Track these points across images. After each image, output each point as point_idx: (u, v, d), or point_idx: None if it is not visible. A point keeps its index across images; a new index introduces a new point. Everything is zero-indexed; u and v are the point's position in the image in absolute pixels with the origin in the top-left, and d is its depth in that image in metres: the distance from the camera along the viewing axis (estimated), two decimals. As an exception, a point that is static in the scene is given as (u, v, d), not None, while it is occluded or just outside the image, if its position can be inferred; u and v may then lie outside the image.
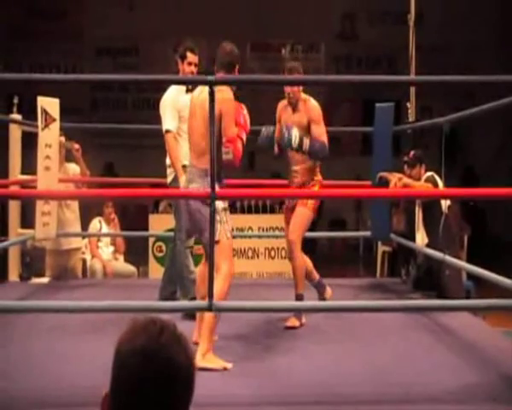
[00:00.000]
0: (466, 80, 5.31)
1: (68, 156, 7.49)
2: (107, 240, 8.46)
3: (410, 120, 7.92)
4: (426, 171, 6.80)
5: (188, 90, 5.66)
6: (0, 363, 4.57)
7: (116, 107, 15.10)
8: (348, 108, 14.93)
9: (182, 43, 5.98)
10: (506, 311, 6.12)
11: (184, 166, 5.41)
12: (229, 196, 4.72)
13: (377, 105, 7.23)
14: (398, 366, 4.59)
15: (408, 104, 7.96)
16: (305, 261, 5.73)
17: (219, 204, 4.57)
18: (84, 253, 8.23)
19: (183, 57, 5.85)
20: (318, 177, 5.71)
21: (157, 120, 5.98)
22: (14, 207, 7.40)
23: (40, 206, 6.68)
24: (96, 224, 8.36)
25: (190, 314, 5.25)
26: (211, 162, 4.30)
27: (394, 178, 6.53)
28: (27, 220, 7.47)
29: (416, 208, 6.85)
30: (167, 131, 5.77)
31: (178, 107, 5.76)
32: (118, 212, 8.73)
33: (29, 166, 7.10)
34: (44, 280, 7.38)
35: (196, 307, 4.88)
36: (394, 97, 7.31)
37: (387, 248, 8.47)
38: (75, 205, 7.53)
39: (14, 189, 7.01)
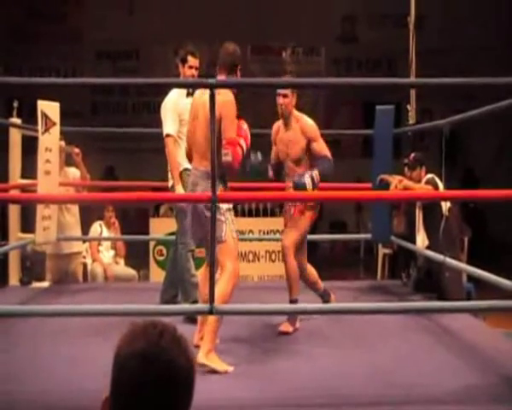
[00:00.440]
0: (466, 83, 5.31)
1: (68, 160, 7.49)
2: (107, 244, 8.47)
3: (411, 122, 7.92)
4: (426, 173, 6.81)
5: (188, 94, 5.66)
6: (5, 367, 4.58)
7: (116, 110, 15.11)
8: (349, 110, 14.93)
9: (182, 46, 5.98)
10: (506, 312, 6.12)
11: (186, 170, 5.41)
12: (230, 198, 4.72)
13: (377, 107, 7.23)
14: (399, 368, 4.58)
15: (408, 107, 7.96)
16: (310, 269, 5.75)
17: (224, 205, 4.59)
18: (84, 257, 8.23)
19: (184, 61, 5.86)
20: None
21: (157, 123, 5.98)
22: (14, 212, 7.40)
23: (40, 210, 6.67)
24: (97, 228, 8.36)
25: (191, 318, 5.26)
26: (211, 164, 4.31)
27: (395, 180, 6.54)
28: (28, 224, 7.47)
29: (417, 210, 6.86)
30: (167, 136, 5.77)
31: (179, 110, 5.77)
32: (118, 216, 8.73)
33: (29, 170, 7.10)
34: (45, 284, 7.37)
35: (198, 311, 4.88)
36: (395, 100, 7.31)
37: (388, 251, 8.47)
38: (75, 209, 7.53)
39: (14, 193, 7.00)
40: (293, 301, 5.49)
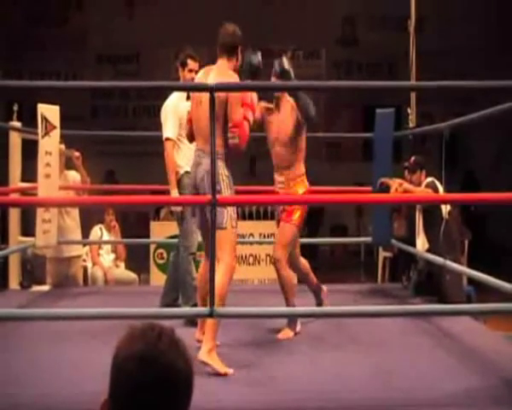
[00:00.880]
0: (466, 86, 5.32)
1: (68, 164, 7.49)
2: (108, 247, 8.47)
3: (411, 125, 7.92)
4: (426, 176, 6.81)
5: (188, 98, 5.69)
6: (5, 370, 4.58)
7: (117, 114, 15.11)
8: (349, 113, 14.93)
9: (182, 50, 6.00)
10: (507, 315, 6.11)
11: (188, 173, 5.41)
12: (231, 202, 4.71)
13: (378, 111, 7.24)
14: (400, 371, 4.58)
15: (408, 110, 7.96)
16: (302, 260, 5.71)
17: (223, 170, 4.60)
18: (85, 260, 8.23)
19: (184, 64, 5.89)
20: (305, 183, 5.53)
21: (157, 127, 5.99)
22: (14, 215, 7.39)
23: (40, 213, 6.68)
24: (97, 231, 8.36)
25: (192, 321, 5.26)
26: (211, 163, 4.31)
27: (395, 183, 6.54)
28: (28, 228, 7.48)
29: (417, 214, 6.86)
30: (167, 139, 5.79)
31: (180, 114, 5.79)
32: (119, 219, 8.73)
33: (29, 174, 7.10)
34: (45, 288, 7.37)
35: (198, 314, 4.89)
36: (395, 103, 7.31)
37: (388, 254, 8.46)
38: (75, 212, 7.52)
39: (14, 196, 7.00)
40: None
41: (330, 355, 4.93)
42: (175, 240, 6.65)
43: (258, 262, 9.16)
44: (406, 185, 6.56)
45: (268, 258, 9.14)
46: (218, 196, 4.35)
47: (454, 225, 6.68)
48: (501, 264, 8.78)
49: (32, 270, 7.47)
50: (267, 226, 9.36)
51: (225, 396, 4.13)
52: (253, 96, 4.76)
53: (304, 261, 5.74)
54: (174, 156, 5.78)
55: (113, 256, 8.45)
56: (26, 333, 5.33)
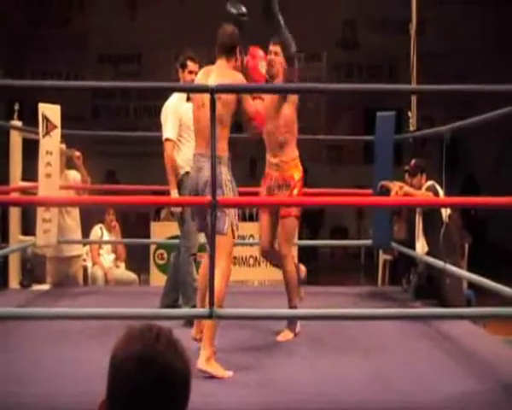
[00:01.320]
0: (467, 89, 5.32)
1: (69, 164, 7.49)
2: (108, 247, 8.47)
3: (412, 128, 7.92)
4: (427, 180, 6.81)
5: (188, 99, 5.72)
6: (5, 369, 4.58)
7: (118, 114, 15.11)
8: (349, 116, 14.93)
9: (182, 52, 6.02)
10: (506, 319, 6.11)
11: (188, 173, 5.42)
12: (231, 203, 4.71)
13: (378, 114, 7.24)
14: (399, 374, 4.58)
15: (409, 113, 7.96)
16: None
17: (226, 175, 4.61)
18: (85, 260, 8.23)
19: (184, 66, 5.91)
20: (300, 167, 5.48)
21: (158, 127, 6.00)
22: (14, 214, 7.40)
23: (41, 213, 6.68)
24: (97, 231, 8.36)
25: (192, 321, 5.26)
26: (212, 166, 4.31)
27: (395, 186, 6.54)
28: (28, 227, 7.48)
29: (417, 217, 6.86)
30: (167, 140, 5.81)
31: (180, 115, 5.82)
32: (119, 219, 8.73)
33: (30, 173, 7.10)
34: (45, 287, 7.37)
35: (197, 315, 4.89)
36: (396, 106, 7.31)
37: (388, 257, 8.46)
38: (76, 212, 7.53)
39: (14, 195, 7.01)
40: (292, 308, 5.45)
41: (329, 358, 4.93)
42: (175, 241, 6.65)
43: (259, 264, 9.15)
44: (406, 188, 6.56)
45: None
46: (218, 198, 4.36)
47: (454, 229, 6.68)
48: (501, 268, 8.78)
49: (33, 269, 7.47)
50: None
51: (224, 398, 4.13)
52: (264, 59, 4.93)
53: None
54: (174, 156, 5.79)
55: (113, 256, 8.45)
56: (25, 332, 5.33)
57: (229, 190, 4.62)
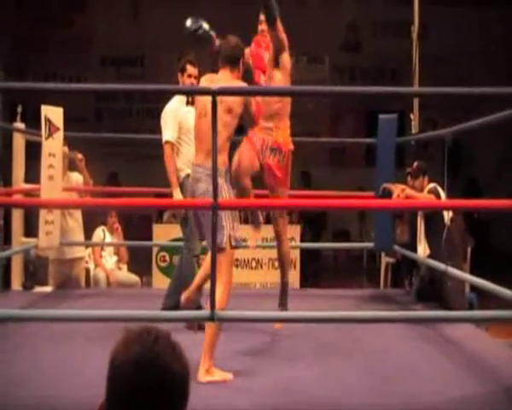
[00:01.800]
0: (469, 92, 5.31)
1: (71, 166, 7.50)
2: (110, 249, 8.47)
3: (414, 131, 7.92)
4: (429, 182, 6.81)
5: (188, 103, 5.76)
6: (7, 370, 4.59)
7: (121, 117, 15.12)
8: (352, 119, 14.94)
9: (184, 55, 6.05)
10: (509, 322, 6.11)
11: (189, 175, 5.42)
12: (232, 205, 4.72)
13: (380, 116, 7.24)
14: (400, 377, 4.58)
15: (411, 115, 7.96)
16: None
17: (223, 186, 4.58)
18: (87, 262, 8.24)
19: (183, 70, 5.96)
20: (290, 139, 5.50)
21: (160, 130, 6.00)
22: (17, 216, 7.40)
23: (43, 215, 6.69)
24: (100, 233, 8.36)
25: (195, 325, 5.27)
26: (213, 167, 4.31)
27: (397, 189, 6.55)
28: (31, 229, 7.49)
29: (418, 219, 6.86)
30: (166, 142, 5.84)
31: (179, 118, 5.85)
32: (121, 221, 8.73)
33: (33, 175, 7.11)
34: (47, 289, 7.37)
35: (198, 317, 4.88)
36: (398, 109, 7.31)
37: (391, 260, 8.46)
38: (78, 214, 7.54)
39: (17, 197, 7.02)
40: (285, 284, 5.67)
41: (331, 360, 4.93)
42: (178, 243, 6.66)
43: (261, 266, 9.14)
44: (409, 191, 6.57)
45: (270, 262, 9.13)
46: (219, 200, 4.35)
47: (456, 232, 6.67)
48: (503, 271, 8.76)
49: (35, 271, 7.46)
50: (269, 230, 9.35)
51: (225, 401, 4.14)
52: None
53: None
54: (174, 157, 5.81)
55: (115, 258, 8.45)
56: (28, 334, 5.33)
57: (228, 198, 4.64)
